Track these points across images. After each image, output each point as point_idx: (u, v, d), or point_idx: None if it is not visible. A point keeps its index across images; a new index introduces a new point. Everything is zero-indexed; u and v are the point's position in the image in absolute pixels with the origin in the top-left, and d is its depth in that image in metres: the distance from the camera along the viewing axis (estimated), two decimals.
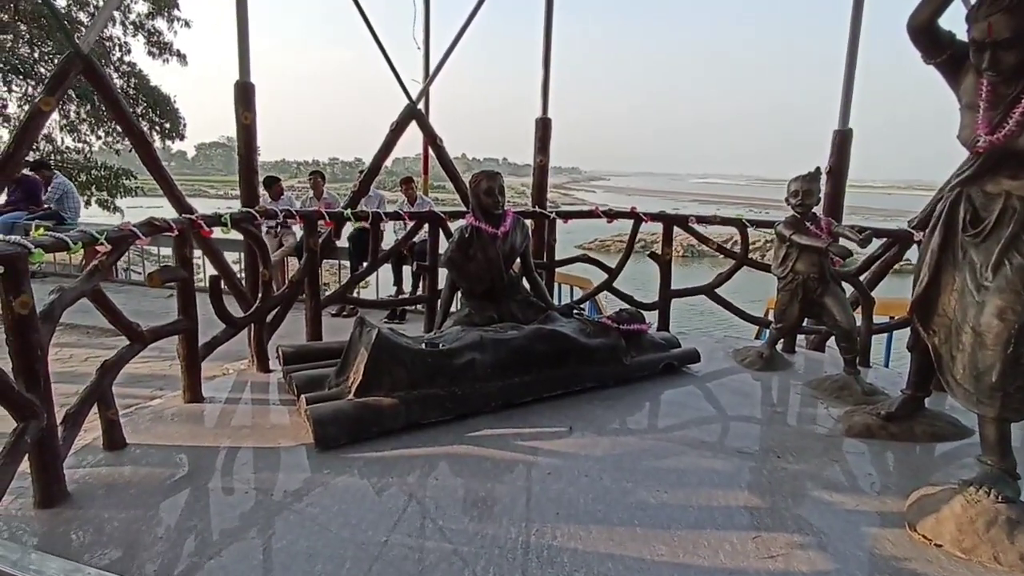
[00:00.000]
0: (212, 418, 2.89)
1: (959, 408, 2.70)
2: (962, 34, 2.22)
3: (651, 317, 4.28)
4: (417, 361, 2.82)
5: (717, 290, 4.43)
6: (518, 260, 3.82)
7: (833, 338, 3.62)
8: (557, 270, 5.25)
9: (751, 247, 4.39)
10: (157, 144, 15.13)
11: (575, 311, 3.66)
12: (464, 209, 4.29)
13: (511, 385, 2.99)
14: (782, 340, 3.95)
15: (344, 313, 6.15)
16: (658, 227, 4.52)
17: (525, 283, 3.85)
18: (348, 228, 6.29)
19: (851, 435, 2.83)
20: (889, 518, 2.16)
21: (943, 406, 3.08)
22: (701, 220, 4.38)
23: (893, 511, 2.20)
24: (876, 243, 4.07)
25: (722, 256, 4.56)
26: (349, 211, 4.06)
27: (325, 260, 7.20)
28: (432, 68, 5.08)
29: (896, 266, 4.20)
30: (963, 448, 2.76)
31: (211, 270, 4.38)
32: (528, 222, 4.33)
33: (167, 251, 8.18)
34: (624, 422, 2.96)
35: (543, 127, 4.89)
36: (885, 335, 4.57)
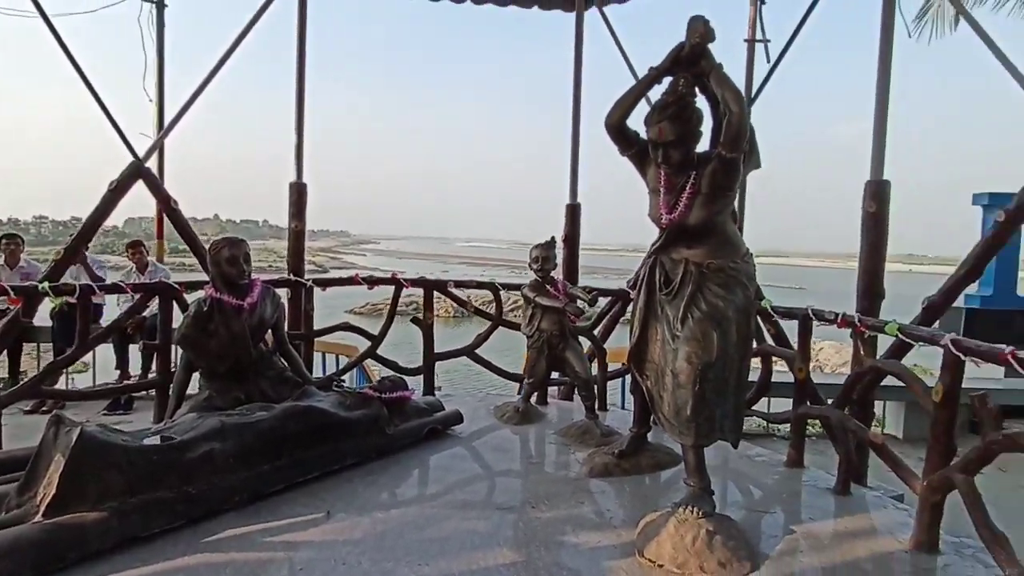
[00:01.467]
0: None
1: None
2: None
3: (416, 382, 4.29)
4: (137, 460, 2.38)
5: (478, 351, 4.64)
6: (270, 333, 3.53)
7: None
8: (318, 340, 5.00)
9: (513, 306, 4.74)
10: None
11: (335, 383, 3.50)
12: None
13: (260, 474, 2.69)
14: (536, 393, 4.27)
15: (44, 408, 4.98)
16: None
17: (279, 357, 3.57)
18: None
19: (593, 475, 3.13)
20: (624, 548, 2.41)
21: (663, 439, 3.60)
22: (459, 284, 4.60)
23: (626, 541, 2.46)
24: (603, 301, 4.72)
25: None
26: (46, 284, 3.35)
27: (27, 342, 5.84)
28: (167, 122, 4.61)
29: (622, 319, 4.92)
30: (679, 473, 3.25)
31: None
32: (283, 291, 4.07)
33: None
34: (387, 496, 2.86)
35: (297, 192, 4.73)
36: (620, 380, 5.25)
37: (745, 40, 8.60)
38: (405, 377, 4.01)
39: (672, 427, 2.66)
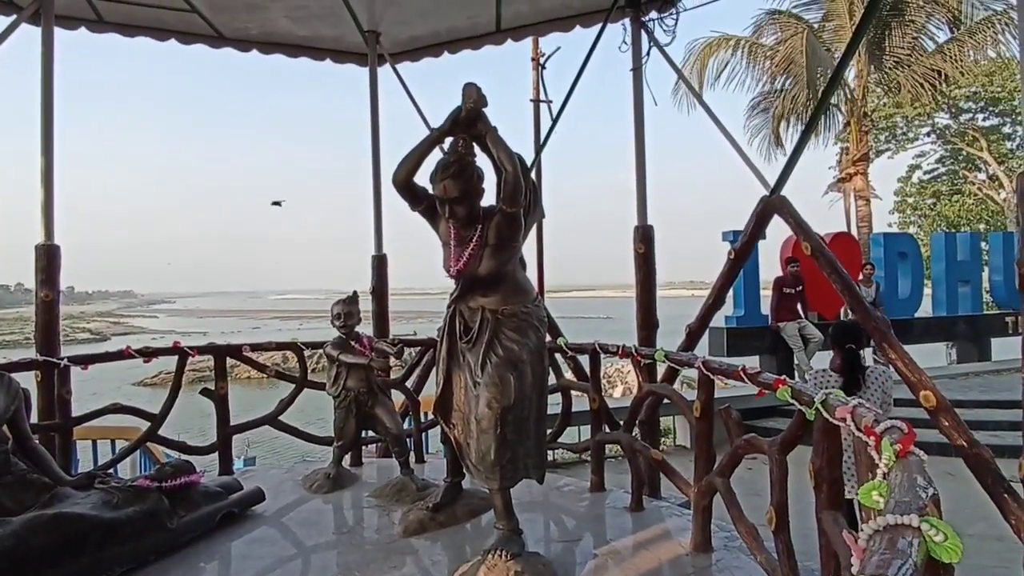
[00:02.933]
0: None
1: None
2: None
3: (209, 462, 3.84)
4: None
5: (282, 417, 4.31)
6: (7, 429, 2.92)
7: None
8: (85, 426, 4.26)
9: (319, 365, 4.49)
10: None
11: (97, 479, 2.98)
12: None
13: None
14: (348, 455, 4.07)
15: None
16: None
17: (20, 458, 2.95)
18: None
19: (408, 534, 3.04)
20: None
21: (477, 484, 3.64)
22: (256, 348, 4.27)
23: None
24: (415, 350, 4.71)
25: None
26: None
27: None
28: None
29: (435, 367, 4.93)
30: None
31: None
32: (28, 375, 3.41)
33: None
34: None
35: (47, 256, 4.06)
36: (439, 428, 5.23)
37: (531, 100, 9.58)
38: (196, 458, 3.57)
39: (479, 472, 2.72)
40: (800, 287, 7.92)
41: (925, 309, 9.98)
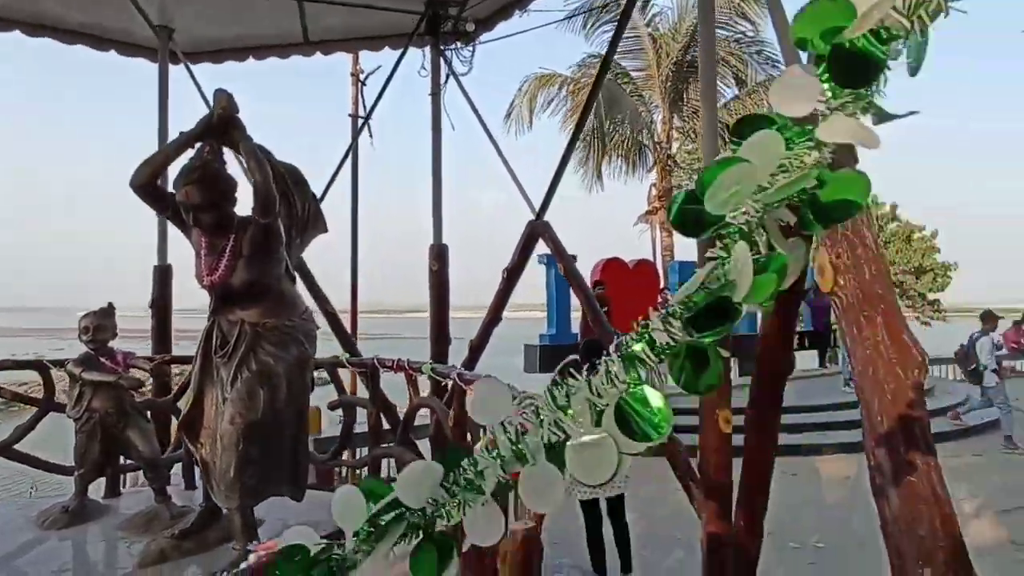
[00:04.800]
0: None
1: None
2: None
3: None
4: None
5: (17, 445, 3.77)
6: None
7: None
8: None
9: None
10: None
11: None
12: None
13: None
14: (99, 484, 3.66)
15: None
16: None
17: None
18: None
19: (144, 566, 2.79)
20: None
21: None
22: None
23: None
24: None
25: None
26: None
27: None
28: None
29: None
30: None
31: None
32: None
33: None
34: None
35: None
36: None
37: (349, 115, 9.49)
38: None
39: (219, 492, 2.61)
40: (606, 308, 8.65)
41: None
